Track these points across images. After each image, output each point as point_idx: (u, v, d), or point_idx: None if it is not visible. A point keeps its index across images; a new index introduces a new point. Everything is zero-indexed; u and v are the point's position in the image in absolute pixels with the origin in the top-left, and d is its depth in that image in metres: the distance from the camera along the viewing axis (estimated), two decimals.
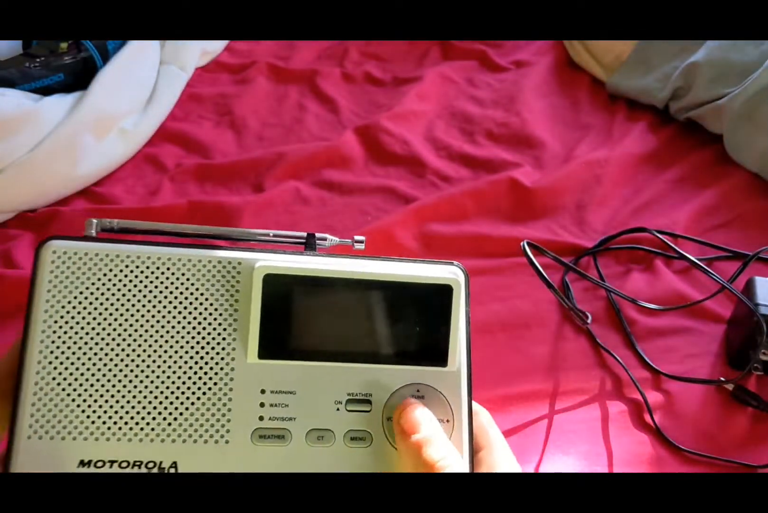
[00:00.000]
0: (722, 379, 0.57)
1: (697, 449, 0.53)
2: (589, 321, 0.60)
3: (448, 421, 0.34)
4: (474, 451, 0.34)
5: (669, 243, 0.66)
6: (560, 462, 0.52)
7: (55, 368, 0.31)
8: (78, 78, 0.80)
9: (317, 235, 0.37)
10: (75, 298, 0.32)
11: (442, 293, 0.34)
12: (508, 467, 0.32)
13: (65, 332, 0.32)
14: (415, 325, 0.34)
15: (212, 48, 1.00)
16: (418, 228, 0.73)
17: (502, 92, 0.94)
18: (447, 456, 0.30)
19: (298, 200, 0.77)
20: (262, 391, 0.32)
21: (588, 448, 0.53)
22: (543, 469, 0.52)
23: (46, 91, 0.76)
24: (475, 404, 0.36)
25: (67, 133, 0.73)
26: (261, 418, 0.32)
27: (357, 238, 0.37)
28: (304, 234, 0.37)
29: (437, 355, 0.34)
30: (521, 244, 0.58)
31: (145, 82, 0.86)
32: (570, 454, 0.53)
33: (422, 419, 0.32)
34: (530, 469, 0.52)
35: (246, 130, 0.88)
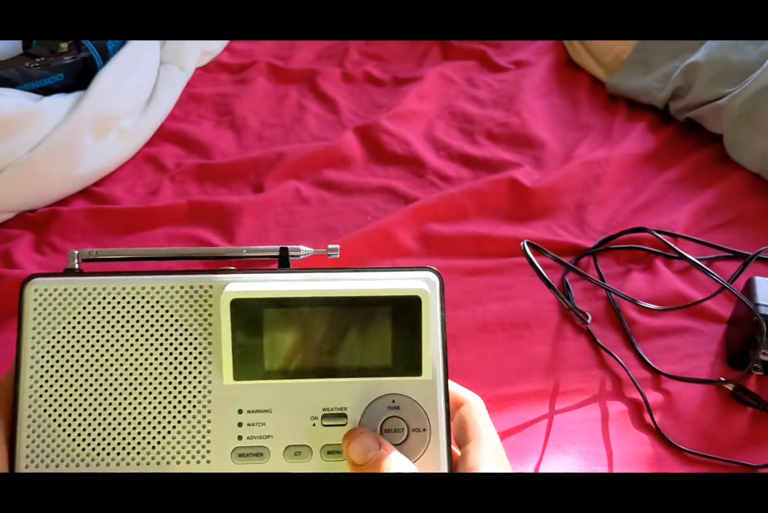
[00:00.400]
0: (722, 379, 0.57)
1: (697, 449, 0.53)
2: (589, 321, 0.60)
3: (424, 429, 0.34)
4: (460, 445, 0.34)
5: (669, 243, 0.66)
6: (560, 462, 0.52)
7: (45, 401, 0.33)
8: (78, 78, 0.80)
9: (290, 247, 0.37)
10: (59, 332, 0.34)
11: (411, 304, 0.34)
12: (493, 463, 0.33)
13: (52, 366, 0.33)
14: (386, 337, 0.34)
15: (212, 48, 1.00)
16: (418, 228, 0.73)
17: (502, 92, 0.94)
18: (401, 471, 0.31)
19: (298, 200, 0.77)
20: (240, 411, 0.33)
21: (588, 448, 0.53)
22: (543, 469, 0.52)
23: (46, 91, 0.76)
24: (466, 392, 0.36)
25: (67, 133, 0.73)
26: (240, 438, 0.33)
27: (331, 247, 0.38)
28: (278, 248, 0.37)
29: (411, 365, 0.34)
30: (521, 244, 0.58)
31: (145, 82, 0.86)
32: (570, 454, 0.53)
33: (370, 446, 0.32)
34: (530, 469, 0.52)
35: (246, 130, 0.88)
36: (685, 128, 0.86)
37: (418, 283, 0.34)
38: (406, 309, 0.34)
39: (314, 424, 0.34)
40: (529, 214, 0.75)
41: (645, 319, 0.63)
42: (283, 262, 0.37)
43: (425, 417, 0.34)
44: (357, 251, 0.69)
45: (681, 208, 0.76)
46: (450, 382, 0.35)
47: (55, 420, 0.33)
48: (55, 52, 0.79)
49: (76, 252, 0.36)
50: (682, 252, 0.63)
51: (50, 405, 0.33)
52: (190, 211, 0.74)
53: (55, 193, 0.75)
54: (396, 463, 0.31)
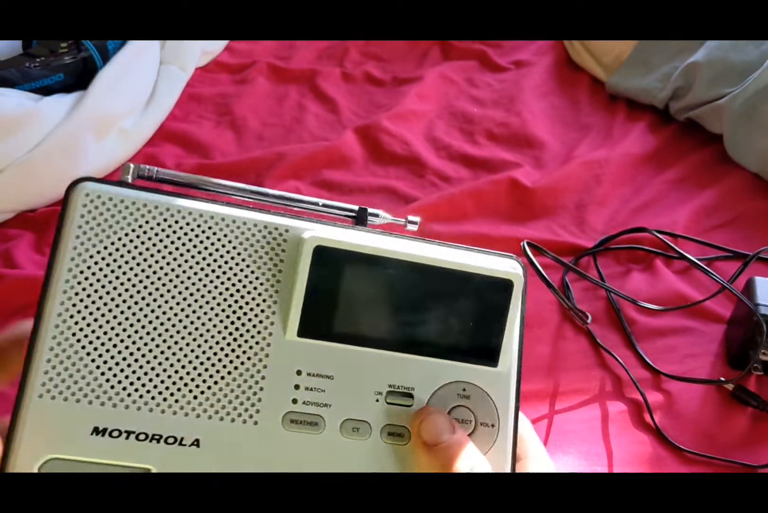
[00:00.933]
0: (722, 379, 0.57)
1: (697, 449, 0.53)
2: (589, 321, 0.60)
3: (493, 425, 0.31)
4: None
5: (669, 243, 0.66)
6: (560, 462, 0.52)
7: (76, 323, 0.28)
8: (78, 78, 0.80)
9: (369, 210, 0.34)
10: (105, 248, 0.29)
11: (502, 288, 0.31)
12: None
13: (91, 285, 0.28)
14: (469, 319, 0.31)
15: (212, 48, 1.00)
16: (418, 228, 0.73)
17: (502, 92, 0.94)
18: (476, 466, 0.29)
19: None
20: (299, 372, 0.30)
21: (588, 448, 0.53)
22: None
23: (46, 91, 0.76)
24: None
25: (67, 133, 0.73)
26: (294, 401, 0.30)
27: (411, 218, 0.35)
28: (356, 207, 0.34)
29: (488, 354, 0.31)
30: (521, 244, 0.58)
31: (145, 82, 0.86)
32: (570, 454, 0.53)
33: (444, 428, 0.30)
34: None
35: (246, 130, 0.88)
36: (685, 128, 0.86)
37: (510, 267, 0.32)
38: (496, 293, 0.31)
39: (377, 400, 0.30)
40: (529, 214, 0.76)
41: (645, 319, 0.63)
42: (360, 223, 0.34)
43: (495, 412, 0.31)
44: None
45: (681, 208, 0.76)
46: None
47: (84, 347, 0.28)
48: (55, 52, 0.79)
49: (132, 166, 0.32)
50: (682, 252, 0.63)
51: (81, 329, 0.28)
52: None
53: (55, 193, 0.75)
54: (472, 454, 0.29)
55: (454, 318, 0.31)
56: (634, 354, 0.61)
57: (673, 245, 0.66)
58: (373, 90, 0.96)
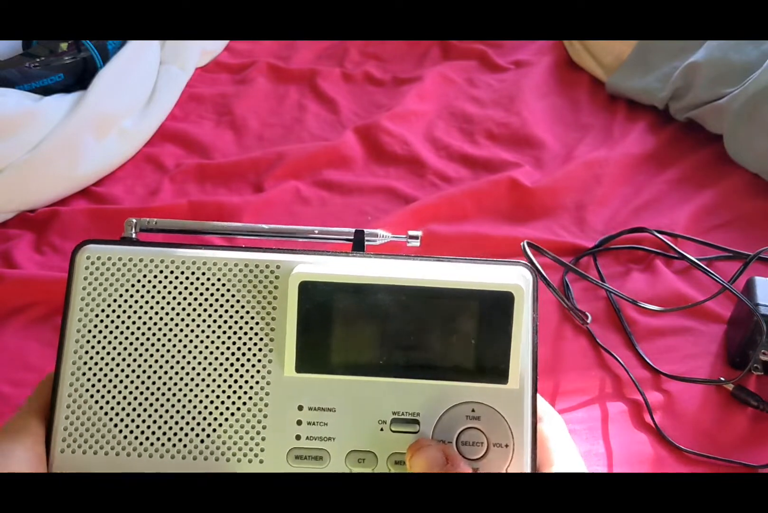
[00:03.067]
0: (722, 379, 0.57)
1: (697, 449, 0.53)
2: (589, 321, 0.60)
3: (507, 445, 0.30)
4: (539, 466, 0.31)
5: (669, 243, 0.66)
6: None
7: (88, 380, 0.30)
8: (78, 78, 0.80)
9: (367, 231, 0.34)
10: (108, 305, 0.30)
11: (503, 300, 0.30)
12: None
13: (99, 341, 0.30)
14: (471, 337, 0.30)
15: (212, 48, 1.00)
16: (418, 228, 0.73)
17: (502, 92, 0.94)
18: None
19: (298, 200, 0.77)
20: (300, 408, 0.30)
21: (588, 448, 0.53)
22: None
23: (46, 91, 0.76)
24: (545, 406, 0.32)
25: (67, 133, 0.73)
26: (298, 437, 0.30)
27: (411, 233, 0.34)
28: (352, 230, 0.34)
29: (497, 371, 0.30)
30: (521, 244, 0.58)
31: (145, 82, 0.86)
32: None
33: (435, 462, 0.28)
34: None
35: (246, 130, 0.88)
36: (685, 128, 0.86)
37: (514, 277, 0.31)
38: (497, 306, 0.30)
39: (382, 429, 0.30)
40: (529, 214, 0.75)
41: (645, 319, 0.63)
42: (357, 247, 0.33)
43: (509, 431, 0.30)
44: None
45: (681, 208, 0.76)
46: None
47: (97, 402, 0.30)
48: (55, 52, 0.79)
49: (134, 221, 0.33)
50: (682, 252, 0.63)
51: (93, 385, 0.30)
52: (190, 211, 0.74)
53: (55, 193, 0.75)
54: None
55: (455, 337, 0.30)
56: (634, 354, 0.61)
57: (673, 245, 0.66)
58: (373, 90, 0.96)
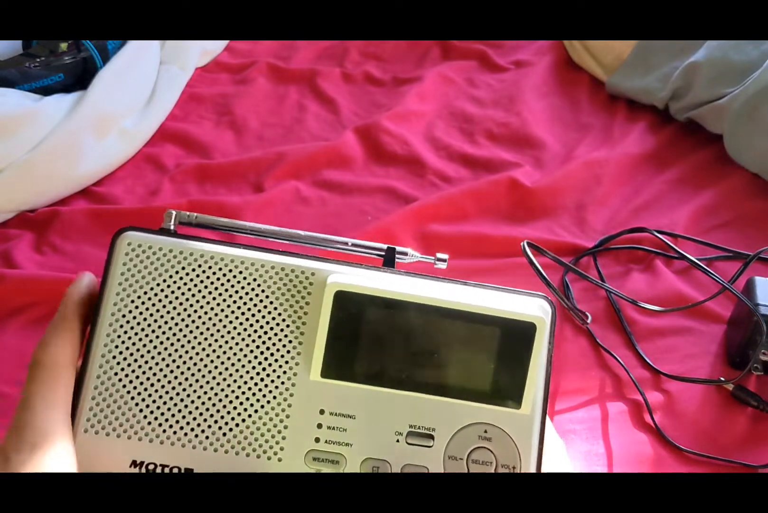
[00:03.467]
0: (722, 379, 0.57)
1: (697, 449, 0.53)
2: (589, 321, 0.60)
3: (514, 467, 0.32)
4: None
5: (669, 243, 0.66)
6: None
7: (118, 363, 0.31)
8: (78, 78, 0.80)
9: (398, 248, 0.35)
10: (145, 293, 0.31)
11: (525, 330, 0.31)
12: None
13: (132, 328, 0.31)
14: (491, 361, 0.32)
15: (212, 48, 1.00)
16: (418, 228, 0.73)
17: (502, 92, 0.94)
18: None
19: (298, 200, 0.77)
20: (321, 412, 0.31)
21: (588, 448, 0.53)
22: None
23: (46, 91, 0.76)
24: (549, 428, 0.33)
25: (67, 133, 0.73)
26: (317, 440, 0.31)
27: (440, 256, 0.35)
28: (385, 246, 0.35)
29: (512, 396, 0.32)
30: (521, 244, 0.58)
31: (145, 82, 0.86)
32: (570, 454, 0.53)
33: None
34: None
35: (246, 130, 0.88)
36: (685, 128, 0.86)
37: (536, 309, 0.32)
38: (519, 335, 0.31)
39: (398, 440, 0.31)
40: (529, 214, 0.75)
41: (645, 319, 0.63)
42: (388, 263, 0.35)
43: (517, 454, 0.32)
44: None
45: (681, 208, 0.76)
46: None
47: (124, 386, 0.31)
48: (55, 52, 0.79)
49: (174, 213, 0.34)
50: (682, 252, 0.63)
51: (122, 369, 0.31)
52: (191, 211, 0.74)
53: (55, 193, 0.75)
54: None
55: (477, 360, 0.32)
56: (634, 354, 0.61)
57: (673, 245, 0.66)
58: (373, 90, 0.96)
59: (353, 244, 0.35)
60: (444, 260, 0.36)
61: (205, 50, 0.98)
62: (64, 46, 0.80)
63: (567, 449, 0.53)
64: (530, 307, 0.32)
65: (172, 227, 0.34)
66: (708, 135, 0.84)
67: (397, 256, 0.35)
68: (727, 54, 0.82)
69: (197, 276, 0.32)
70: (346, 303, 0.31)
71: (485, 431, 0.32)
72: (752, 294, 0.57)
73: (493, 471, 0.32)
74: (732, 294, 0.58)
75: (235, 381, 0.31)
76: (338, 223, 0.74)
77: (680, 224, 0.73)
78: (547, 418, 0.33)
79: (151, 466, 0.30)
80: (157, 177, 0.80)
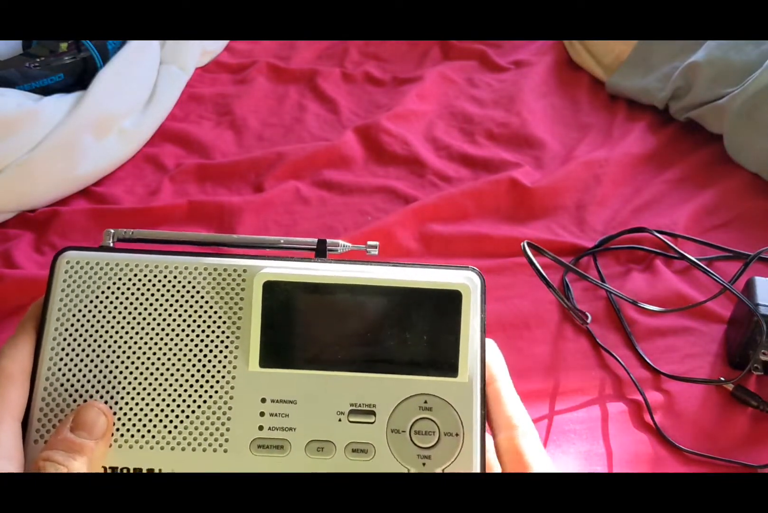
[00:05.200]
0: (722, 379, 0.57)
1: (697, 449, 0.53)
2: (589, 321, 0.60)
3: (457, 434, 0.32)
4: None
5: (669, 243, 0.66)
6: (560, 462, 0.52)
7: (63, 375, 0.32)
8: (78, 78, 0.80)
9: (329, 241, 0.36)
10: (85, 306, 0.33)
11: (451, 299, 0.32)
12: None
13: (74, 340, 0.32)
14: (423, 333, 0.32)
15: (212, 48, 1.00)
16: (418, 228, 0.73)
17: (502, 92, 0.94)
18: None
19: (298, 200, 0.77)
20: (263, 400, 0.32)
21: (588, 448, 0.53)
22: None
23: (46, 91, 0.76)
24: (520, 414, 0.34)
25: (67, 133, 0.73)
26: (261, 428, 0.32)
27: (370, 243, 0.36)
28: (315, 240, 0.36)
29: (447, 365, 0.32)
30: (521, 244, 0.58)
31: (145, 82, 0.86)
32: (570, 454, 0.53)
33: None
34: None
35: (246, 130, 0.88)
36: (685, 128, 0.86)
37: (461, 279, 0.33)
38: (446, 304, 0.32)
39: (340, 420, 0.32)
40: (529, 214, 0.75)
41: (645, 319, 0.63)
42: (320, 255, 0.36)
43: (459, 421, 0.32)
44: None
45: (681, 208, 0.76)
46: (511, 396, 0.34)
47: (71, 395, 0.32)
48: (55, 52, 0.79)
49: (112, 231, 0.36)
50: (682, 252, 0.63)
51: (68, 379, 0.32)
52: (190, 211, 0.74)
53: (55, 193, 0.75)
54: None
55: (408, 333, 0.33)
56: (634, 354, 0.61)
57: (673, 245, 0.66)
58: (373, 90, 0.96)
59: (285, 242, 0.37)
60: (375, 247, 0.36)
61: (205, 50, 0.98)
62: (64, 46, 0.80)
63: (566, 449, 0.53)
64: (455, 277, 0.33)
65: (110, 244, 0.36)
66: (708, 135, 0.84)
67: (328, 247, 0.36)
68: (727, 54, 0.82)
69: (134, 285, 0.33)
70: (275, 292, 0.32)
71: (425, 402, 0.33)
72: (752, 294, 0.57)
73: (436, 440, 0.32)
74: (732, 294, 0.58)
75: (176, 380, 0.32)
76: (338, 223, 0.74)
77: (680, 224, 0.73)
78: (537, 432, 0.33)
79: (101, 470, 0.31)
80: (157, 177, 0.80)
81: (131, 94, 0.83)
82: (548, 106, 0.93)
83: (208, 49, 0.99)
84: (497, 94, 0.94)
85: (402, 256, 0.70)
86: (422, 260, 0.70)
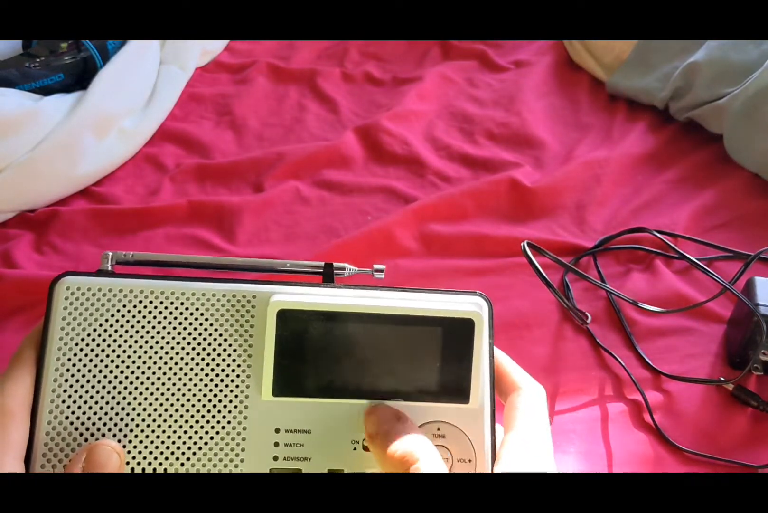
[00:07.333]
0: (722, 379, 0.57)
1: (697, 449, 0.53)
2: (588, 321, 0.60)
3: (470, 460, 0.32)
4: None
5: (669, 243, 0.66)
6: (560, 462, 0.52)
7: (68, 408, 0.31)
8: (78, 78, 0.80)
9: (335, 264, 0.36)
10: (88, 335, 0.31)
11: (464, 327, 0.32)
12: (520, 458, 0.31)
13: (78, 370, 0.31)
14: (435, 361, 0.32)
15: (212, 48, 1.00)
16: (418, 228, 0.73)
17: (502, 92, 0.94)
18: (414, 451, 0.29)
19: (298, 200, 0.77)
20: (277, 430, 0.32)
21: (588, 448, 0.53)
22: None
23: (46, 91, 0.76)
24: (525, 378, 0.34)
25: (67, 133, 0.73)
26: (275, 458, 0.31)
27: (377, 267, 0.36)
28: (322, 264, 0.36)
29: (458, 392, 0.32)
30: (521, 244, 0.58)
31: (145, 82, 0.86)
32: (570, 454, 0.53)
33: (385, 418, 0.31)
34: None
35: (246, 130, 0.88)
36: (685, 128, 0.86)
37: (471, 305, 0.33)
38: (458, 332, 0.32)
39: (355, 448, 0.32)
40: (529, 214, 0.75)
41: (645, 319, 0.63)
42: (327, 279, 0.35)
43: (471, 447, 0.32)
44: (357, 251, 0.69)
45: (681, 208, 0.76)
46: (513, 365, 0.34)
47: (77, 429, 0.31)
48: (55, 52, 0.79)
49: (111, 254, 0.35)
50: (682, 252, 0.63)
51: (73, 412, 0.31)
52: (190, 211, 0.74)
53: (55, 193, 0.75)
54: (413, 440, 0.29)
55: (421, 361, 0.33)
56: (634, 354, 0.61)
57: (673, 245, 0.66)
58: (373, 90, 0.96)
59: (291, 265, 0.36)
60: (381, 271, 0.36)
61: (205, 50, 0.98)
62: (64, 46, 0.80)
63: (566, 449, 0.53)
64: (466, 304, 0.33)
65: (109, 267, 0.34)
66: (708, 135, 0.84)
67: (335, 271, 0.36)
68: (727, 54, 0.82)
69: (139, 312, 0.32)
70: (289, 321, 0.32)
71: (438, 429, 0.33)
72: (752, 294, 0.57)
73: (450, 467, 0.32)
74: (732, 294, 0.58)
75: (187, 411, 0.31)
76: (338, 223, 0.74)
77: (680, 224, 0.73)
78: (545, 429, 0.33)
79: None
80: (157, 177, 0.80)
81: (131, 94, 0.83)
82: (548, 106, 0.93)
83: (208, 49, 0.99)
84: (497, 94, 0.94)
85: (402, 257, 0.70)
86: (422, 260, 0.70)
